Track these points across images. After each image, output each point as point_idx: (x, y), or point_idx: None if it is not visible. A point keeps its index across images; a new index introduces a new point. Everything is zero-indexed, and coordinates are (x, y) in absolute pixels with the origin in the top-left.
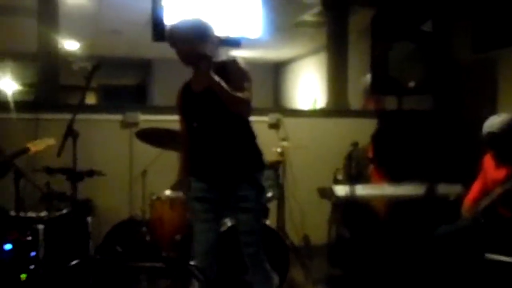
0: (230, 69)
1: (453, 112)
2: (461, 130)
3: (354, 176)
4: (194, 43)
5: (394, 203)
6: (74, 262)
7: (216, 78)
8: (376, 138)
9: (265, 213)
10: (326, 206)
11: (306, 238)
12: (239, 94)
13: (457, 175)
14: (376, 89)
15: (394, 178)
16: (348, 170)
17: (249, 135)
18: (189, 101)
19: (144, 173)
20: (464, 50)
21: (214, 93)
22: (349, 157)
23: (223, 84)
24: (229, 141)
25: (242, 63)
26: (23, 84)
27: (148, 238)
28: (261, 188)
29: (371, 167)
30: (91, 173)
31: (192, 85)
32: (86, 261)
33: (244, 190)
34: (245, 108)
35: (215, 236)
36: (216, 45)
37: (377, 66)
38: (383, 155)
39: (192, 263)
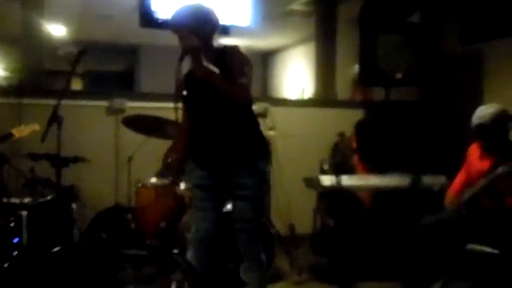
0: (231, 56)
1: (439, 103)
2: (447, 122)
3: (339, 166)
4: (194, 30)
5: (379, 193)
6: (56, 249)
7: (212, 67)
8: (359, 128)
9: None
10: (312, 196)
11: (291, 227)
12: (241, 80)
13: (441, 166)
14: (363, 80)
15: (379, 168)
16: (333, 161)
17: (250, 122)
18: (190, 86)
19: (130, 160)
20: (452, 42)
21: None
22: (335, 148)
23: (215, 71)
24: (229, 127)
25: (242, 50)
26: (7, 69)
27: (133, 225)
28: (262, 176)
29: (355, 158)
30: (75, 159)
31: (194, 71)
32: (69, 248)
33: (243, 178)
34: (242, 96)
35: (210, 227)
36: (218, 31)
37: (365, 57)
38: (366, 146)
39: (175, 251)
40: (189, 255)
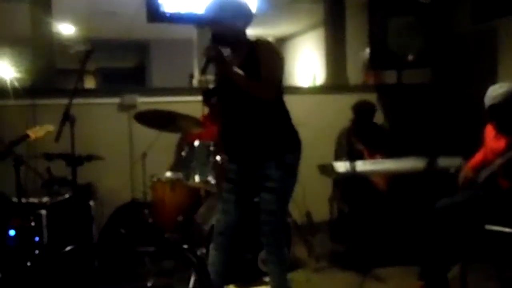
0: (260, 51)
1: (453, 84)
2: (461, 102)
3: (346, 153)
4: (226, 23)
5: (395, 177)
6: (69, 248)
7: (235, 70)
8: (357, 111)
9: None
10: (328, 183)
11: (308, 215)
12: (264, 78)
13: (457, 148)
14: (375, 64)
15: (394, 152)
16: (339, 148)
17: (279, 115)
18: (220, 82)
19: (144, 155)
20: (463, 21)
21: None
22: (339, 135)
23: (237, 73)
24: (256, 120)
25: (271, 45)
26: (19, 70)
27: (150, 220)
28: (290, 169)
29: (361, 144)
30: (89, 157)
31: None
32: (89, 245)
33: (269, 169)
34: (263, 94)
35: (231, 219)
36: (250, 24)
37: (376, 41)
38: (365, 128)
39: (185, 246)
40: (211, 246)
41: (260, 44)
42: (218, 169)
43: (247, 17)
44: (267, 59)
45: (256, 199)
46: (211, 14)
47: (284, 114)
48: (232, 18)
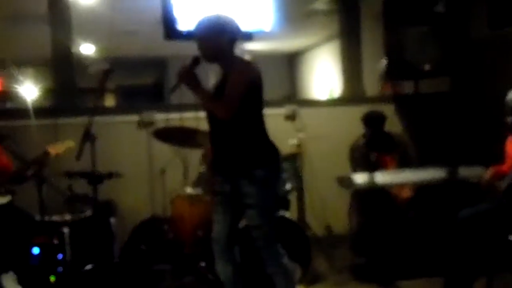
0: (232, 71)
1: (471, 92)
2: (481, 110)
3: (360, 165)
4: (209, 41)
5: (415, 188)
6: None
7: (201, 91)
8: (368, 121)
9: (286, 205)
10: (347, 195)
11: (328, 228)
12: (223, 98)
13: (477, 157)
14: (392, 74)
15: (412, 161)
16: (353, 160)
17: (250, 132)
18: None
19: (163, 171)
20: (480, 28)
21: (219, 91)
22: (352, 147)
23: (204, 92)
24: (230, 137)
25: (242, 65)
26: (41, 90)
27: (170, 235)
28: (264, 183)
29: (375, 154)
30: (110, 175)
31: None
32: (110, 263)
33: (245, 187)
34: (218, 114)
35: (223, 229)
36: (236, 41)
37: (392, 51)
38: (375, 139)
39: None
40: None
41: (234, 64)
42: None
43: (232, 34)
44: (232, 78)
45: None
46: (197, 31)
47: (255, 130)
48: (216, 36)
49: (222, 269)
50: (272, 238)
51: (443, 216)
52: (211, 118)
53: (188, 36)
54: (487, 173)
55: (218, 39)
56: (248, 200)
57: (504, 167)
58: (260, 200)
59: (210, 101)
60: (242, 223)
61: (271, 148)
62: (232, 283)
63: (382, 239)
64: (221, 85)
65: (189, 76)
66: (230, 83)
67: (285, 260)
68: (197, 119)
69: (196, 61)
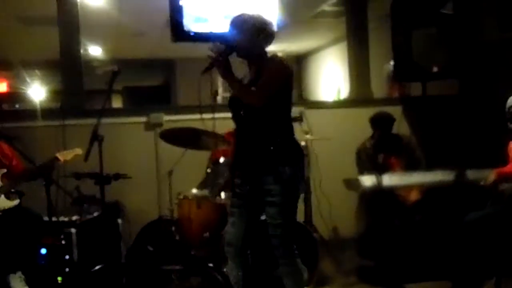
0: (266, 66)
1: (480, 95)
2: (489, 113)
3: (367, 167)
4: (244, 36)
5: (423, 191)
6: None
7: (232, 75)
8: (376, 123)
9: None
10: (354, 197)
11: (335, 231)
12: (257, 87)
13: (486, 160)
14: (399, 76)
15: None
16: (360, 162)
17: (278, 130)
18: (233, 96)
19: (170, 173)
20: (489, 30)
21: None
22: (359, 150)
23: (233, 78)
24: (255, 135)
25: (277, 59)
26: (49, 92)
27: (177, 237)
28: (289, 182)
29: (382, 156)
30: (117, 176)
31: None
32: (117, 263)
33: (269, 184)
34: (250, 101)
35: (238, 232)
36: (270, 43)
37: (399, 53)
38: (383, 141)
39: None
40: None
41: (269, 60)
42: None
43: (268, 35)
44: (267, 70)
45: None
46: (235, 25)
47: (284, 128)
48: (255, 34)
49: (233, 272)
50: (289, 237)
51: (450, 219)
52: (238, 115)
53: (195, 38)
54: (491, 175)
55: (256, 37)
56: (271, 198)
57: (507, 168)
58: (283, 199)
59: (242, 87)
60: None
61: (297, 146)
62: (241, 286)
63: (389, 242)
64: (253, 80)
65: (223, 60)
66: (267, 74)
67: (299, 261)
68: (204, 121)
69: (230, 49)
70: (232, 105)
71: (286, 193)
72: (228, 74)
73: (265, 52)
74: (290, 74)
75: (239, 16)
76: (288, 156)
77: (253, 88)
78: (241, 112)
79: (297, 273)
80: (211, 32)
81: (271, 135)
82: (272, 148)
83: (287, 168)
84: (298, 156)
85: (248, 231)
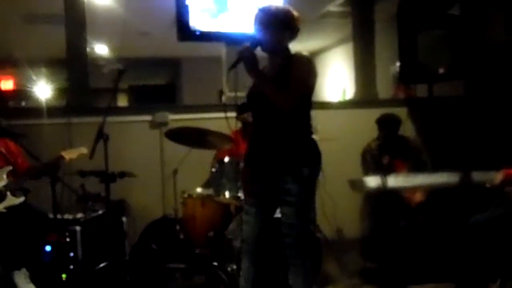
0: (294, 65)
1: (486, 96)
2: (495, 115)
3: (373, 168)
4: (271, 30)
5: (428, 192)
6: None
7: (261, 73)
8: (382, 124)
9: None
10: (359, 198)
11: (339, 231)
12: (289, 89)
13: (492, 162)
14: (405, 78)
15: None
16: (364, 164)
17: (299, 129)
18: (253, 91)
19: (175, 172)
20: (496, 32)
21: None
22: (364, 151)
23: (263, 77)
24: (277, 132)
25: (306, 59)
26: (55, 90)
27: (181, 235)
28: (308, 182)
29: (387, 157)
30: (122, 174)
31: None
32: (121, 261)
33: (287, 184)
34: (282, 103)
35: (252, 229)
36: (295, 38)
37: (406, 54)
38: (389, 142)
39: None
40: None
41: (296, 57)
42: (243, 178)
43: (293, 29)
44: (298, 71)
45: (276, 215)
46: (263, 18)
47: (305, 128)
48: (281, 28)
49: (246, 270)
50: (303, 238)
51: (455, 221)
52: (260, 112)
53: (201, 37)
54: (498, 177)
55: (282, 31)
56: (289, 198)
57: None
58: (301, 199)
59: (273, 87)
60: None
61: (316, 147)
62: (252, 285)
63: (394, 243)
64: (277, 76)
65: (250, 56)
66: (298, 75)
67: (310, 263)
68: (209, 120)
69: (255, 43)
70: (251, 99)
71: (304, 194)
72: (255, 71)
73: (288, 46)
74: (316, 74)
75: (266, 8)
76: (308, 156)
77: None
78: (263, 112)
79: (307, 274)
80: (217, 32)
81: (292, 134)
82: (293, 147)
83: (306, 169)
84: (317, 157)
85: (264, 230)
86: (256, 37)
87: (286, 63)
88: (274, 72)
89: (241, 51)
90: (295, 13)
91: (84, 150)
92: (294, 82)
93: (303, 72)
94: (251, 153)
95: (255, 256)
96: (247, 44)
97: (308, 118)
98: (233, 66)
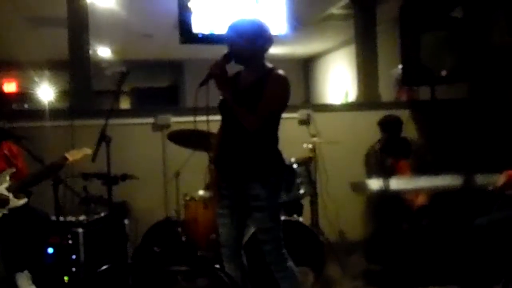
0: (268, 83)
1: (489, 99)
2: (499, 117)
3: (376, 171)
4: (242, 42)
5: (431, 195)
6: (105, 267)
7: (229, 93)
8: (385, 126)
9: (299, 210)
10: (361, 200)
11: (342, 234)
12: (258, 111)
13: (495, 165)
14: (407, 80)
15: (429, 168)
16: (368, 166)
17: (268, 140)
18: (222, 102)
19: (177, 174)
20: (499, 34)
21: (246, 94)
22: (367, 153)
23: (229, 97)
24: (245, 143)
25: (281, 80)
26: (58, 92)
27: (184, 238)
28: (275, 187)
29: (390, 159)
30: (124, 177)
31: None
32: (123, 264)
33: (255, 190)
34: (247, 124)
35: (228, 232)
36: (268, 48)
37: (408, 56)
38: (391, 144)
39: (217, 266)
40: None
41: (272, 75)
42: (213, 178)
43: (266, 40)
44: (270, 93)
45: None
46: (233, 31)
47: (273, 139)
48: (252, 39)
49: (234, 274)
50: (279, 241)
51: (458, 223)
52: (228, 121)
53: (204, 40)
54: (500, 179)
55: (254, 42)
56: (258, 203)
57: None
58: (271, 203)
59: (238, 108)
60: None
61: (281, 158)
62: (247, 285)
63: (397, 246)
64: (250, 89)
65: (220, 73)
66: (268, 97)
67: (291, 264)
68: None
69: (227, 58)
70: (222, 107)
71: (273, 197)
72: (223, 86)
73: (263, 58)
74: (289, 93)
75: (237, 21)
76: (275, 166)
77: (243, 110)
78: (231, 120)
79: (292, 276)
80: (219, 34)
81: (261, 145)
82: (259, 158)
83: (273, 177)
84: (282, 164)
85: (240, 231)
86: (229, 50)
87: (260, 78)
88: (247, 84)
89: (211, 67)
90: (265, 23)
91: (88, 151)
92: (265, 102)
93: (276, 92)
94: (219, 157)
95: (238, 258)
96: (219, 59)
97: (275, 130)
98: (204, 83)
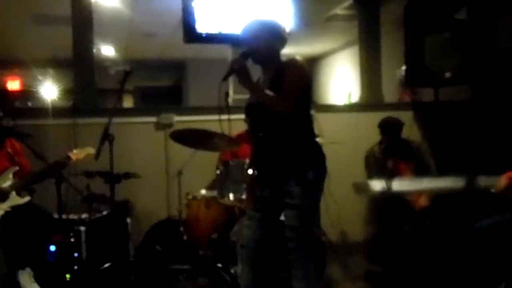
0: (285, 70)
1: (492, 101)
2: (502, 120)
3: (376, 171)
4: (260, 41)
5: (432, 196)
6: (108, 265)
7: (253, 83)
8: (385, 128)
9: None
10: (363, 202)
11: (343, 235)
12: (282, 94)
13: (498, 167)
14: (411, 81)
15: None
16: (369, 168)
17: (301, 133)
18: (251, 99)
19: (179, 173)
20: (503, 36)
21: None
22: (367, 154)
23: (255, 87)
24: (278, 138)
25: (296, 62)
26: (62, 91)
27: (185, 237)
28: (311, 186)
29: (391, 161)
30: (127, 175)
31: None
32: (125, 262)
33: (290, 186)
34: (277, 108)
35: (255, 235)
36: (283, 47)
37: (412, 58)
38: (391, 146)
39: (219, 265)
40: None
41: (287, 63)
42: (249, 183)
43: (282, 39)
44: (290, 74)
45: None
46: (247, 32)
47: (307, 131)
48: (269, 37)
49: (245, 275)
50: (305, 241)
51: (459, 225)
52: (258, 122)
53: (207, 39)
54: (502, 181)
55: (271, 41)
56: (292, 200)
57: None
58: (304, 202)
59: (267, 94)
60: None
61: (320, 150)
62: (247, 285)
63: (398, 247)
64: (271, 83)
65: (242, 68)
66: (290, 78)
67: (312, 268)
68: (214, 122)
69: (246, 55)
70: (250, 112)
71: (307, 197)
72: (247, 82)
73: (279, 56)
74: (309, 76)
75: (252, 22)
76: (312, 159)
77: (272, 94)
78: (262, 120)
79: (309, 278)
80: (223, 34)
81: (294, 138)
82: (295, 151)
83: (310, 172)
84: (322, 160)
85: (267, 235)
86: (246, 49)
87: (278, 71)
88: (269, 82)
89: (232, 63)
90: (281, 23)
91: (90, 150)
92: (287, 84)
93: (295, 73)
94: (256, 159)
95: (255, 262)
96: (238, 56)
97: (309, 120)
98: (225, 78)
